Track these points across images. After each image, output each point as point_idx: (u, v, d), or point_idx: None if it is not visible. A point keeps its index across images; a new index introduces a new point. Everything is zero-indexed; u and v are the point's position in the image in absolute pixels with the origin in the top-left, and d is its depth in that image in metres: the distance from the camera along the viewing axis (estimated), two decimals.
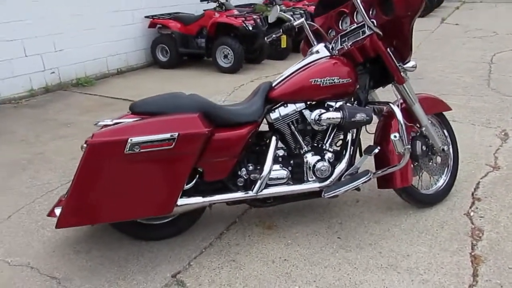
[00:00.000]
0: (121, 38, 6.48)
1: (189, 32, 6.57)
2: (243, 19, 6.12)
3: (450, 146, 2.67)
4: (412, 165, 2.50)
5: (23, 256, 2.23)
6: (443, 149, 2.50)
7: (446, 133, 2.68)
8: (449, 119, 3.89)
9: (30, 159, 3.42)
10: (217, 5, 6.50)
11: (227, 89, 5.27)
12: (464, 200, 2.65)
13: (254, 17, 6.28)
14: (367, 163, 2.37)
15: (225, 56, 6.35)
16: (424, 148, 2.47)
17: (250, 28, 6.10)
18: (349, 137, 2.35)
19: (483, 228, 2.36)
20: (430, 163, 2.55)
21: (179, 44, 6.58)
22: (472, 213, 2.50)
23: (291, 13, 6.66)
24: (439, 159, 2.58)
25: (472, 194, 2.72)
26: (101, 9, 6.01)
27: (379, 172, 2.34)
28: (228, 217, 2.55)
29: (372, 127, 2.42)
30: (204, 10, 6.58)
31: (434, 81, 5.53)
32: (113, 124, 2.00)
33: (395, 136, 2.17)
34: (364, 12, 2.18)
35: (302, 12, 6.93)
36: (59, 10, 5.40)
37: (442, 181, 2.63)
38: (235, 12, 6.46)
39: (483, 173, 2.98)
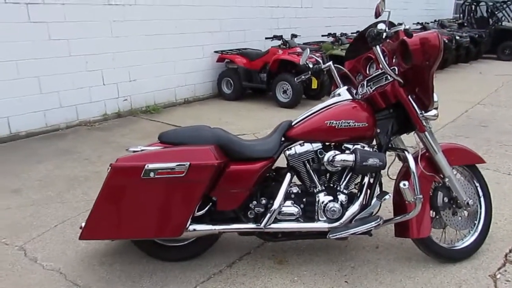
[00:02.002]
0: (191, 71, 7.00)
1: (253, 67, 6.91)
2: None
3: (482, 201, 2.52)
4: (434, 217, 2.42)
5: (57, 262, 2.51)
6: (467, 203, 2.37)
7: (479, 187, 2.54)
8: (505, 172, 3.69)
9: (87, 176, 3.83)
10: (282, 42, 6.79)
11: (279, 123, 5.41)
12: (494, 260, 2.46)
13: (317, 55, 6.44)
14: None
15: (284, 92, 6.57)
16: (446, 200, 2.37)
17: (311, 66, 6.24)
18: (365, 180, 2.34)
19: None
20: (455, 217, 2.43)
21: (243, 78, 6.94)
22: (498, 275, 2.32)
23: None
24: (466, 213, 2.45)
25: (505, 255, 2.52)
26: (175, 44, 6.58)
27: (390, 219, 2.29)
28: (244, 247, 2.63)
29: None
30: (272, 47, 6.89)
31: (500, 130, 5.18)
32: (140, 151, 2.24)
33: (404, 185, 2.13)
34: (383, 60, 2.22)
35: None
36: (136, 45, 6.03)
37: (469, 237, 2.48)
38: (298, 49, 6.68)
39: None
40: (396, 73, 2.24)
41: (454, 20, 14.26)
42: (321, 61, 2.83)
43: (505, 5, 13.55)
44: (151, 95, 6.43)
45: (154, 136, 2.47)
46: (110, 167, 2.11)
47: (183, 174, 2.09)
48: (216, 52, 7.21)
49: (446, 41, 9.72)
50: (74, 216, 3.07)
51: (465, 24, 13.07)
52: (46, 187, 3.59)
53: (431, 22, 12.53)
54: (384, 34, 2.12)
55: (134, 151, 2.24)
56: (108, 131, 5.33)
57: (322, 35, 8.71)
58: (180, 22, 6.59)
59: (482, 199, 2.54)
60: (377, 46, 2.19)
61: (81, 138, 5.02)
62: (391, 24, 2.24)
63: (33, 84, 5.01)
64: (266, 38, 7.18)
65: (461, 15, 14.24)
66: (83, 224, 2.21)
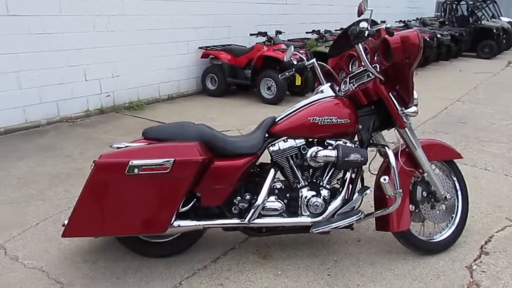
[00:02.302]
0: (175, 67, 6.96)
1: (238, 64, 6.91)
2: None
3: (460, 195, 2.60)
4: (413, 211, 2.48)
5: (39, 260, 2.49)
6: (445, 197, 2.44)
7: (456, 182, 2.62)
8: (482, 167, 3.79)
9: (69, 173, 3.79)
10: (266, 39, 6.80)
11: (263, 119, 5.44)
12: (470, 252, 2.54)
13: (301, 52, 6.47)
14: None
15: (269, 88, 6.60)
16: (424, 194, 2.44)
17: (295, 62, 6.28)
18: (347, 175, 2.39)
19: (481, 283, 2.26)
20: (433, 210, 2.50)
21: (227, 74, 6.94)
22: (474, 267, 2.40)
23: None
24: (443, 207, 2.52)
25: (481, 247, 2.60)
26: (159, 39, 6.53)
27: (371, 213, 2.35)
28: (229, 243, 2.66)
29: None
30: (256, 43, 6.90)
31: (477, 127, 5.31)
32: (125, 147, 2.23)
33: (384, 179, 2.19)
34: (365, 57, 2.26)
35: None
36: (120, 41, 5.97)
37: (446, 230, 2.56)
38: (283, 46, 6.70)
39: (500, 227, 2.84)
40: (378, 70, 2.28)
41: (435, 18, 14.49)
42: (305, 58, 2.87)
43: (484, 4, 13.85)
44: (135, 91, 6.38)
45: (138, 133, 2.46)
46: (93, 164, 2.11)
47: (167, 170, 2.10)
48: (200, 48, 7.18)
49: (428, 39, 9.89)
50: (56, 214, 3.04)
51: (446, 22, 13.30)
52: (27, 185, 3.54)
53: (413, 20, 12.72)
54: (366, 32, 2.16)
55: (118, 148, 2.23)
56: (91, 128, 5.27)
57: (307, 32, 8.76)
58: (164, 17, 6.54)
59: (459, 193, 2.62)
60: (359, 44, 2.23)
61: (63, 135, 4.95)
62: (373, 23, 2.28)
63: (12, 80, 4.91)
64: (251, 35, 7.18)
65: (442, 14, 14.49)
66: (66, 222, 2.19)
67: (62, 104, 5.46)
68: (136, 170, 2.08)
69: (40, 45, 5.08)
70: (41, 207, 3.14)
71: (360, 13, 2.23)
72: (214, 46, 7.26)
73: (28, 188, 3.47)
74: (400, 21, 11.41)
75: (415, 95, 2.30)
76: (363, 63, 2.29)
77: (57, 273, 2.37)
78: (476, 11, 13.43)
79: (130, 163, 2.07)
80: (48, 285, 2.27)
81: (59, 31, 5.23)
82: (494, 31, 12.50)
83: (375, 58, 2.36)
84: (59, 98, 5.41)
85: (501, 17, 14.51)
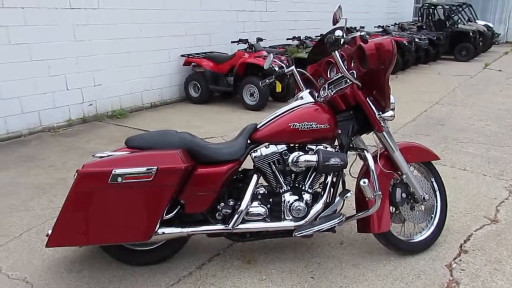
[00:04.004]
0: (157, 75, 6.97)
1: (220, 71, 6.96)
2: None
3: (438, 196, 2.68)
4: (394, 212, 2.55)
5: (23, 271, 2.47)
6: (424, 198, 2.52)
7: (434, 183, 2.70)
8: (460, 168, 3.89)
9: (52, 183, 3.76)
10: (247, 46, 6.87)
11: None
12: (449, 251, 2.62)
13: (282, 58, 6.56)
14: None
15: (251, 94, 6.66)
16: (404, 195, 2.51)
17: (276, 69, 6.37)
18: (329, 179, 2.44)
19: (460, 281, 2.33)
20: (413, 211, 2.57)
21: (210, 82, 6.97)
22: (454, 265, 2.48)
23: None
24: (422, 207, 2.60)
25: (461, 246, 2.68)
26: (140, 48, 6.54)
27: (352, 216, 2.40)
28: (213, 249, 2.68)
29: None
30: (238, 50, 6.96)
31: (456, 128, 5.45)
32: (107, 156, 2.24)
33: (364, 182, 2.25)
34: (342, 64, 2.33)
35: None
36: (100, 49, 5.96)
37: (426, 231, 2.63)
38: (264, 53, 6.77)
39: (479, 226, 2.92)
40: (355, 76, 2.35)
41: (413, 23, 14.79)
42: (284, 66, 2.92)
43: (460, 9, 14.21)
44: (117, 100, 6.36)
45: (121, 141, 2.48)
46: (76, 173, 2.11)
47: (150, 179, 2.12)
48: (182, 55, 7.21)
49: (406, 44, 10.10)
50: (40, 224, 3.02)
51: (424, 27, 13.60)
52: (9, 196, 3.50)
53: (392, 25, 12.98)
54: (342, 40, 2.22)
55: (101, 157, 2.25)
56: (73, 137, 5.23)
57: (287, 39, 8.87)
58: (145, 25, 6.55)
59: (437, 193, 2.69)
60: (336, 52, 2.30)
61: (45, 145, 4.91)
62: (348, 30, 2.35)
63: None
64: (232, 42, 7.25)
65: (420, 18, 14.81)
66: (49, 232, 2.19)
67: (44, 113, 5.42)
68: (119, 179, 2.10)
69: (21, 55, 5.04)
70: (24, 218, 3.11)
71: (335, 21, 2.30)
72: (196, 53, 7.30)
73: (10, 199, 3.43)
74: (379, 26, 11.64)
75: (392, 100, 2.38)
76: (340, 70, 2.36)
77: (41, 283, 2.36)
78: (452, 15, 13.77)
79: (113, 172, 2.08)
80: None
81: (39, 41, 5.20)
82: (471, 34, 12.82)
83: (352, 64, 2.43)
84: (40, 107, 5.37)
85: (477, 21, 14.92)
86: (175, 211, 2.32)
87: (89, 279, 2.40)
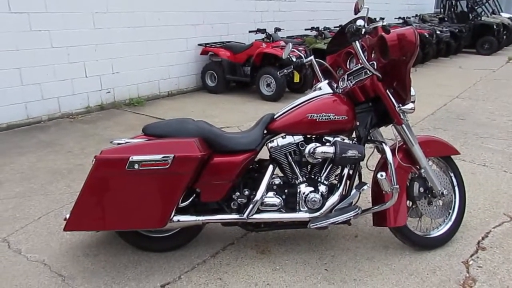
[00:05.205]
0: (174, 63, 6.98)
1: (237, 61, 6.94)
2: None
3: (457, 191, 2.63)
4: (410, 206, 2.52)
5: (41, 254, 2.53)
6: (442, 193, 2.47)
7: (453, 178, 2.65)
8: (480, 163, 3.81)
9: (70, 169, 3.82)
10: (265, 36, 6.82)
11: None
12: (466, 247, 2.57)
13: (300, 49, 6.49)
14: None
15: (268, 85, 6.62)
16: (421, 190, 2.47)
17: (294, 59, 6.31)
18: (345, 171, 2.41)
19: (477, 278, 2.29)
20: (430, 206, 2.53)
21: (226, 71, 6.95)
22: (471, 262, 2.43)
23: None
24: (440, 202, 2.55)
25: (478, 242, 2.63)
26: (158, 36, 6.55)
27: (368, 209, 2.38)
28: (228, 238, 2.69)
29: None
30: (255, 40, 6.92)
31: (477, 123, 5.34)
32: (125, 143, 2.26)
33: (381, 175, 2.22)
34: (362, 55, 2.28)
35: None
36: (119, 37, 5.99)
37: (443, 226, 2.59)
38: (282, 43, 6.72)
39: (498, 223, 2.86)
40: (375, 67, 2.31)
41: (435, 15, 14.48)
42: (303, 56, 2.89)
43: (484, 0, 13.84)
44: (135, 88, 6.41)
45: (138, 129, 2.50)
46: (94, 159, 2.13)
47: (167, 166, 2.13)
48: (200, 45, 7.20)
49: (427, 36, 9.89)
50: (58, 208, 3.07)
51: (446, 19, 13.29)
52: (29, 180, 3.57)
53: (412, 17, 12.72)
54: (363, 30, 2.18)
55: (118, 144, 2.26)
56: (91, 124, 5.30)
57: (306, 29, 8.77)
58: (163, 14, 6.56)
59: (456, 189, 2.64)
60: (357, 42, 2.25)
61: (64, 131, 4.98)
62: (370, 20, 2.30)
63: (14, 76, 4.94)
64: (250, 32, 7.21)
65: (442, 10, 14.47)
66: (67, 216, 2.22)
67: (63, 100, 5.49)
68: (136, 166, 2.11)
69: (41, 42, 5.11)
70: (43, 202, 3.18)
71: (356, 11, 2.25)
72: (213, 43, 7.28)
73: (30, 183, 3.50)
74: (399, 17, 11.41)
75: (412, 92, 2.33)
76: (360, 61, 2.32)
77: (58, 266, 2.41)
78: (475, 7, 13.42)
79: (130, 158, 2.10)
80: (50, 278, 2.31)
81: (60, 28, 5.25)
82: (494, 27, 12.49)
83: (373, 55, 2.39)
84: (60, 94, 5.45)
85: (501, 13, 14.51)
86: (190, 199, 2.33)
87: (105, 263, 2.44)
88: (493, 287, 2.22)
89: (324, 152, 2.31)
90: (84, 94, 5.73)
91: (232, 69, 6.99)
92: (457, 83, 8.13)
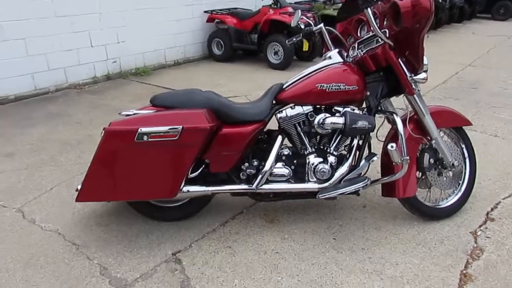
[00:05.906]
0: (180, 32, 6.86)
1: (244, 28, 6.80)
2: None
3: (467, 162, 2.61)
4: (420, 177, 2.51)
5: (55, 223, 2.58)
6: (453, 164, 2.45)
7: (465, 149, 2.62)
8: (492, 134, 3.77)
9: (80, 140, 3.84)
10: (273, 2, 6.64)
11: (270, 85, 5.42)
12: (475, 218, 2.58)
13: (308, 15, 6.33)
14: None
15: (276, 53, 6.52)
16: (432, 161, 2.45)
17: (302, 27, 6.16)
18: (355, 142, 2.40)
19: (485, 249, 2.30)
20: (440, 177, 2.51)
21: (233, 39, 6.83)
22: (479, 232, 2.44)
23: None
24: (450, 174, 2.54)
25: (487, 213, 2.63)
26: (163, 4, 6.41)
27: (377, 180, 2.37)
28: (237, 207, 2.72)
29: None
30: (263, 6, 6.75)
31: (489, 92, 5.24)
32: (133, 114, 2.25)
33: (391, 146, 2.20)
34: (374, 23, 2.21)
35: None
36: (123, 5, 5.87)
37: (453, 197, 2.58)
38: (290, 9, 6.55)
39: (507, 194, 2.85)
40: (387, 36, 2.24)
41: None
42: (312, 23, 2.81)
43: None
44: (141, 57, 6.34)
45: (145, 99, 2.48)
46: (103, 131, 2.14)
47: (176, 138, 2.13)
48: (206, 12, 7.05)
49: (440, 1, 9.58)
50: (69, 179, 3.11)
51: None
52: (39, 151, 3.61)
53: None
54: None
55: (127, 115, 2.26)
56: (99, 94, 5.28)
57: None
58: None
59: (467, 160, 2.62)
60: (369, 9, 2.18)
61: (72, 102, 4.98)
62: None
63: (20, 46, 4.89)
64: None
65: None
66: (79, 187, 2.25)
67: (69, 70, 5.46)
68: (145, 137, 2.11)
69: (44, 11, 5.02)
70: (54, 173, 3.22)
71: None
72: (219, 10, 7.12)
73: (41, 154, 3.54)
74: None
75: (425, 61, 2.27)
76: (372, 28, 2.25)
77: (72, 235, 2.46)
78: None
79: (139, 130, 2.10)
80: (65, 247, 2.36)
81: None
82: None
83: (385, 23, 2.31)
84: (66, 64, 5.41)
85: None
86: (199, 170, 2.35)
87: (117, 232, 2.49)
88: (500, 257, 2.23)
89: (334, 123, 2.28)
90: (91, 64, 5.69)
91: (239, 37, 6.86)
92: (470, 50, 7.93)
